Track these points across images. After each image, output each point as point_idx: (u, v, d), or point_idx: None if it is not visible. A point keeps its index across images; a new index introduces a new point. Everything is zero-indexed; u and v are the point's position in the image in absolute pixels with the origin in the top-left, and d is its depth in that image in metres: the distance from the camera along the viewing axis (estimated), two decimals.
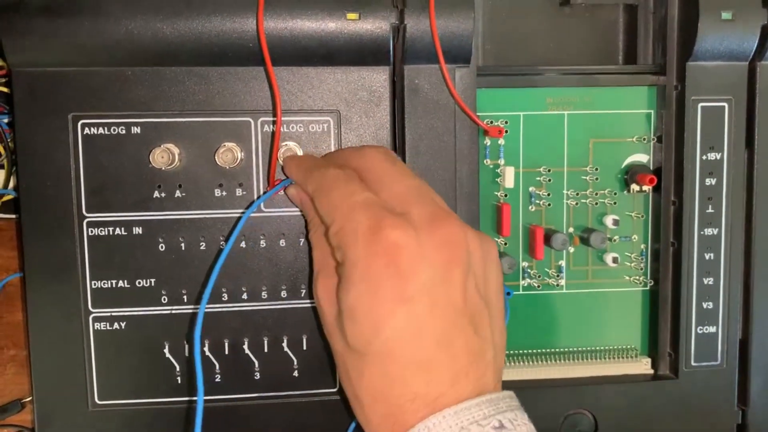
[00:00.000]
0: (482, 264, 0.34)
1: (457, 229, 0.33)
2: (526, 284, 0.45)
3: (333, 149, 0.41)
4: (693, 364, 0.44)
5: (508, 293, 0.43)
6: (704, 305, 0.44)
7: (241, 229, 0.39)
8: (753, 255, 0.44)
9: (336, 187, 0.34)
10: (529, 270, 0.45)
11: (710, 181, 0.43)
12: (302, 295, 0.41)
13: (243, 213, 0.40)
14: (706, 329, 0.44)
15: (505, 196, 0.44)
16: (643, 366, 0.45)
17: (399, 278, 0.31)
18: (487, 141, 0.44)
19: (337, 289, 0.34)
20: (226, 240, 0.40)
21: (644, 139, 0.45)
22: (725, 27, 0.41)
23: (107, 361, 0.41)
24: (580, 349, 0.46)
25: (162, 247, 0.40)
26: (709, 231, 0.43)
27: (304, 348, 0.42)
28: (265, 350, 0.41)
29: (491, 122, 0.43)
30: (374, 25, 0.39)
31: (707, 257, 0.43)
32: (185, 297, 0.41)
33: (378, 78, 0.40)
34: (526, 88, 0.44)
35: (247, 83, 0.40)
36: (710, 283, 0.44)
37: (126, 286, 0.40)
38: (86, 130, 0.39)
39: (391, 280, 0.31)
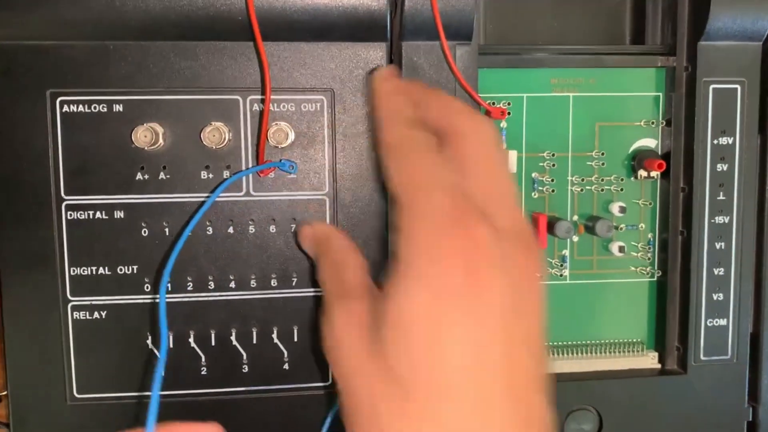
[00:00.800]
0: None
1: (539, 253, 0.27)
2: None
3: (326, 130, 0.38)
4: (702, 358, 0.42)
5: None
6: (714, 297, 0.42)
7: (208, 210, 0.37)
8: (765, 244, 0.42)
9: (417, 151, 0.28)
10: None
11: (722, 167, 0.41)
12: (293, 284, 0.39)
13: (220, 194, 0.38)
14: (716, 322, 0.42)
15: None
16: (649, 360, 0.43)
17: (476, 288, 0.24)
18: None
19: (378, 302, 0.27)
20: (190, 218, 0.38)
21: (652, 123, 0.43)
22: (739, 5, 0.39)
23: (87, 353, 0.39)
24: (583, 342, 0.44)
25: (145, 232, 0.38)
26: (720, 219, 0.41)
27: (295, 340, 0.40)
28: (254, 342, 0.39)
29: (493, 104, 0.41)
30: None
31: (718, 246, 0.42)
32: (169, 285, 0.38)
33: (374, 55, 0.38)
34: (529, 69, 0.42)
35: (235, 59, 0.38)
36: (721, 273, 0.42)
37: (107, 273, 0.38)
38: (65, 108, 0.37)
39: (466, 288, 0.24)
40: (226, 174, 0.38)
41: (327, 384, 0.40)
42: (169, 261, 0.35)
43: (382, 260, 0.39)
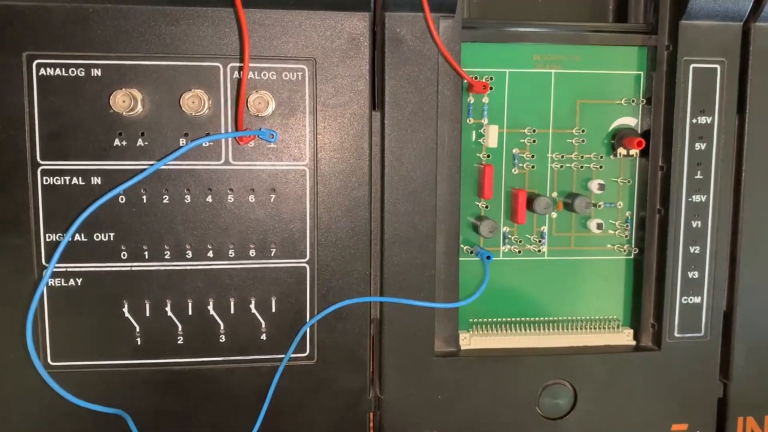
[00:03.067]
0: None
1: None
2: (506, 250, 0.43)
3: (307, 99, 0.38)
4: (676, 335, 0.43)
5: (488, 257, 0.41)
6: (690, 275, 0.42)
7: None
8: (741, 223, 0.42)
9: None
10: (509, 235, 0.43)
11: (700, 146, 0.41)
12: (272, 254, 0.39)
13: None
14: (691, 300, 0.43)
15: (488, 157, 0.42)
16: (625, 337, 0.44)
17: None
18: (471, 99, 0.42)
19: None
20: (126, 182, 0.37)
21: (633, 102, 0.43)
22: None
23: (61, 320, 0.38)
24: (560, 318, 0.44)
25: (122, 199, 0.38)
26: (697, 198, 0.42)
27: (273, 310, 0.40)
28: (232, 312, 0.39)
29: (476, 78, 0.41)
30: None
31: (694, 225, 0.42)
32: (146, 253, 0.38)
33: (357, 25, 0.38)
34: (512, 44, 0.42)
35: (216, 26, 0.37)
36: (696, 252, 0.42)
37: (83, 240, 0.38)
38: (42, 71, 0.36)
39: None
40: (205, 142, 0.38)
41: (304, 355, 0.40)
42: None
43: (361, 231, 0.39)
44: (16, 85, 0.36)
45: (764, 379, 0.44)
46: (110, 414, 0.39)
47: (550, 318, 0.44)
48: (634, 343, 0.44)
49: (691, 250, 0.42)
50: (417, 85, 0.39)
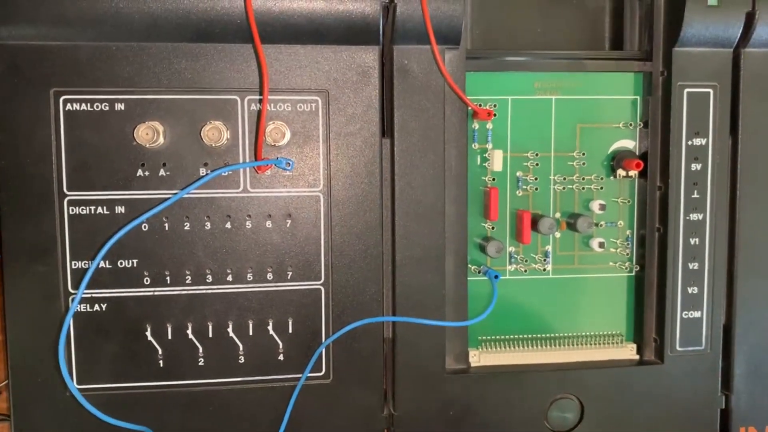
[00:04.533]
0: None
1: None
2: (512, 269, 0.45)
3: (321, 129, 0.40)
4: (678, 349, 0.44)
5: (496, 276, 0.43)
6: (689, 290, 0.44)
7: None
8: (737, 239, 0.44)
9: None
10: (515, 255, 0.45)
11: (695, 167, 0.43)
12: (288, 277, 0.41)
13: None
14: (691, 314, 0.44)
15: (493, 180, 0.44)
16: (628, 351, 0.45)
17: None
18: (476, 125, 0.44)
19: None
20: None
21: (630, 125, 0.45)
22: (711, 13, 0.42)
23: (87, 345, 0.40)
24: (566, 334, 0.46)
25: (145, 227, 0.39)
26: (694, 216, 0.44)
27: (290, 331, 0.41)
28: (250, 333, 0.41)
29: (480, 105, 0.43)
30: (365, 4, 0.38)
31: (692, 242, 0.44)
32: (168, 278, 0.40)
33: (368, 58, 0.40)
34: (514, 72, 0.44)
35: (234, 61, 0.39)
36: (695, 268, 0.44)
37: (107, 266, 0.39)
38: (68, 106, 0.38)
39: None
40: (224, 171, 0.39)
41: (320, 374, 0.42)
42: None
43: (373, 253, 0.41)
44: (44, 119, 0.38)
45: (765, 390, 0.45)
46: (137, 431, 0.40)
47: (556, 334, 0.46)
48: (637, 357, 0.45)
49: (690, 267, 0.44)
50: (424, 113, 0.41)
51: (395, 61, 0.40)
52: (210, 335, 0.40)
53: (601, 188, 0.45)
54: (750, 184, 0.44)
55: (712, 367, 0.45)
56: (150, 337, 0.40)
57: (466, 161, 0.42)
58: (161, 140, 0.39)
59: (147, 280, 0.40)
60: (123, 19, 0.37)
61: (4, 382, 0.43)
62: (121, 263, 0.39)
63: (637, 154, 0.45)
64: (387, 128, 0.41)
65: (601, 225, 0.45)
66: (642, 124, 0.45)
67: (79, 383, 0.40)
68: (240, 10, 0.37)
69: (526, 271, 0.45)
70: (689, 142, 0.43)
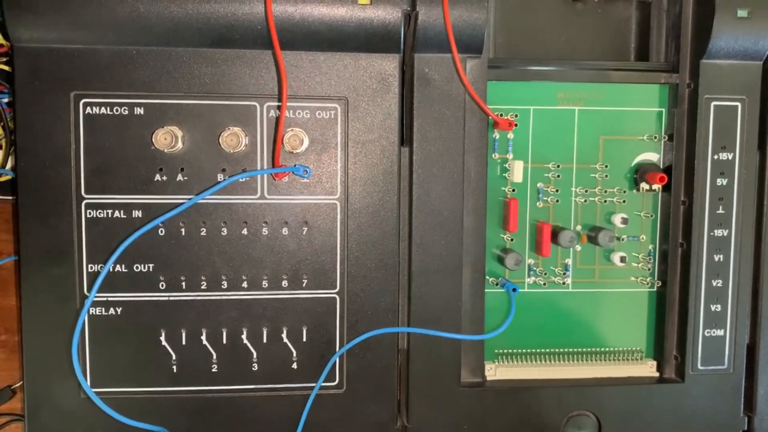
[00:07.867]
0: None
1: None
2: (531, 282, 0.44)
3: (339, 137, 0.40)
4: (699, 367, 0.43)
5: (514, 289, 0.42)
6: (712, 308, 0.43)
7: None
8: (763, 257, 0.43)
9: None
10: (535, 267, 0.44)
11: (721, 182, 0.42)
12: (303, 285, 0.40)
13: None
14: (714, 332, 0.43)
15: (513, 191, 0.43)
16: (648, 368, 0.44)
17: None
18: (496, 134, 0.43)
19: None
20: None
21: (655, 138, 0.44)
22: (741, 25, 0.41)
23: (101, 348, 0.40)
24: (584, 349, 0.45)
25: (162, 232, 0.39)
26: (719, 232, 0.43)
27: (304, 340, 0.41)
28: (264, 341, 0.40)
29: (501, 115, 0.42)
30: (386, 12, 0.38)
31: (717, 259, 0.43)
32: (184, 283, 0.40)
33: (388, 66, 0.40)
34: (536, 82, 0.43)
35: (253, 67, 0.39)
36: (719, 285, 0.43)
37: (123, 270, 0.39)
38: (88, 110, 0.38)
39: None
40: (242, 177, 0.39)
41: (334, 384, 0.41)
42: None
43: (389, 262, 0.40)
44: (64, 122, 0.38)
45: None
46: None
47: (575, 349, 0.45)
48: (657, 374, 0.44)
49: (714, 284, 0.43)
50: (444, 123, 0.40)
51: (416, 69, 0.40)
52: (224, 341, 0.40)
53: (624, 201, 0.44)
54: None
55: (735, 387, 0.44)
56: (164, 342, 0.40)
57: (486, 171, 0.41)
58: (180, 145, 0.39)
59: (162, 285, 0.40)
60: (143, 24, 0.37)
61: (19, 383, 0.43)
62: (137, 267, 0.39)
63: (661, 167, 0.44)
64: (406, 137, 0.41)
65: (623, 239, 0.45)
66: (667, 137, 0.44)
67: (93, 386, 0.40)
68: (260, 16, 0.37)
69: (545, 284, 0.44)
70: (715, 157, 0.42)
